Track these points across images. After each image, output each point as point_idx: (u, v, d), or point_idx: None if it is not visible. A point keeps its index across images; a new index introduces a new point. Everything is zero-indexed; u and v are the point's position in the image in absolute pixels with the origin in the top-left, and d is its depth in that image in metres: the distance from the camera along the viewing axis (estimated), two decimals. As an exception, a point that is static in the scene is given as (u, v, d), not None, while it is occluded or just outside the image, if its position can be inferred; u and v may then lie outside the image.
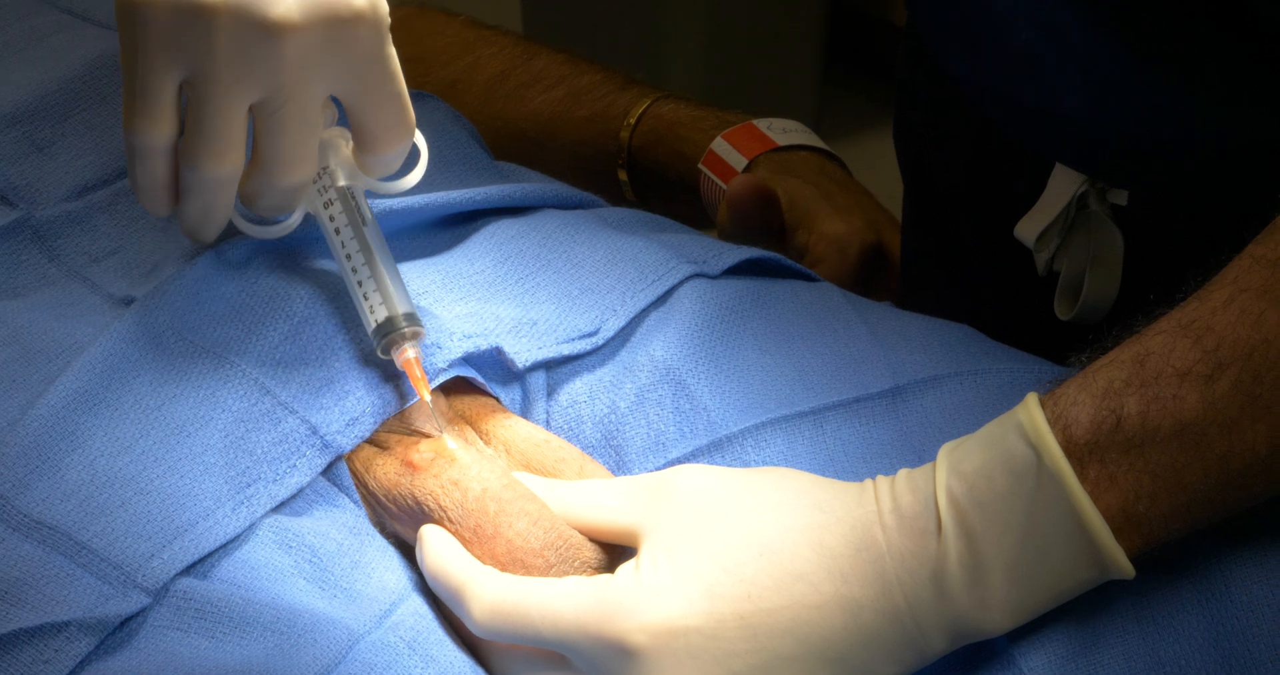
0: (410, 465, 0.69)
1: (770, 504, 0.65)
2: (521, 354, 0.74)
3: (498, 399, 0.75)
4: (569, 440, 0.74)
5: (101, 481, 0.67)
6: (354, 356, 0.72)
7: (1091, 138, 0.84)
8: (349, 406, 0.71)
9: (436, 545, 0.68)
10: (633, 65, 1.25)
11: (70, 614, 0.63)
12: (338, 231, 0.72)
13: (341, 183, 0.73)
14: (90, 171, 0.80)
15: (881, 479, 0.65)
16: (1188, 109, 0.79)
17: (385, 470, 0.70)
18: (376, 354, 0.71)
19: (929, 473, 0.64)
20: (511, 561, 0.67)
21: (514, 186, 0.84)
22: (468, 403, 0.74)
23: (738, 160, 1.08)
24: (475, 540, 0.67)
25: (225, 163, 0.68)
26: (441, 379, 0.72)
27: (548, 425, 0.75)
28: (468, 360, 0.73)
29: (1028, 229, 0.89)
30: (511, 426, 0.73)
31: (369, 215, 0.73)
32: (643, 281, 0.78)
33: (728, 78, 2.13)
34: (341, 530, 0.70)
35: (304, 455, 0.69)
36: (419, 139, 0.73)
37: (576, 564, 0.67)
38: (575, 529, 0.68)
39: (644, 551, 0.64)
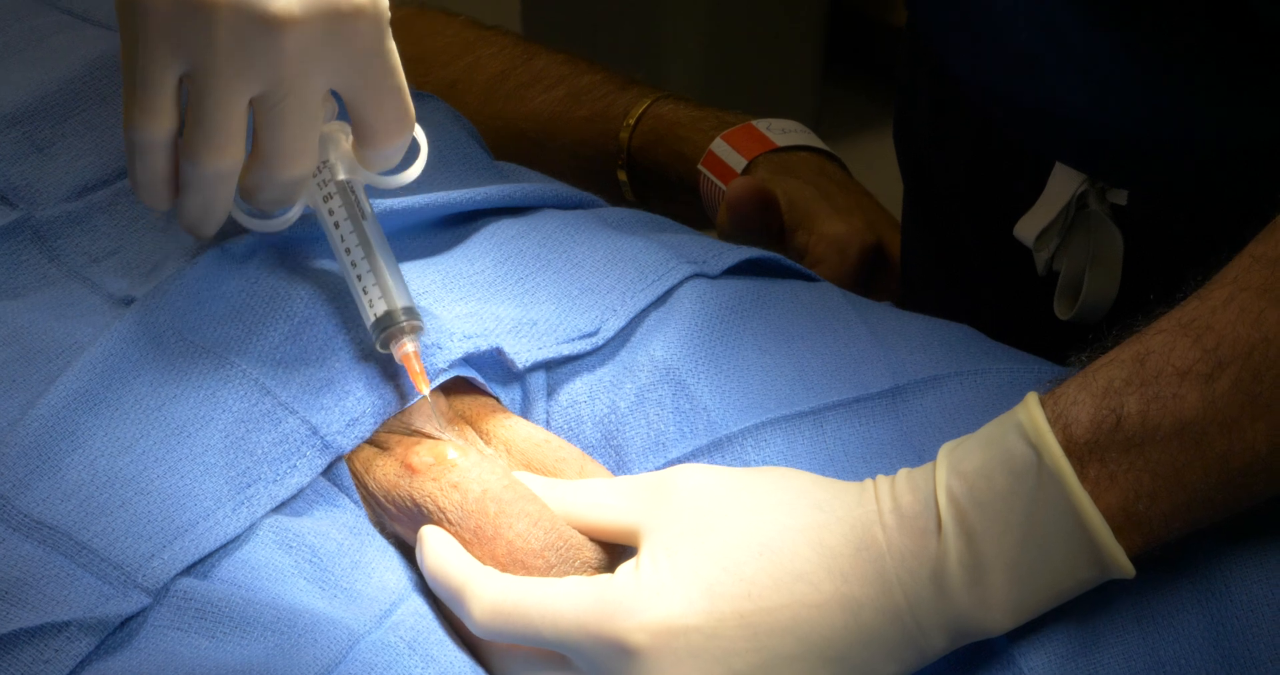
0: (409, 468, 0.69)
1: (770, 503, 0.65)
2: (521, 354, 0.74)
3: (498, 399, 0.75)
4: (569, 440, 0.74)
5: (102, 481, 0.67)
6: (354, 356, 0.72)
7: (1091, 137, 0.84)
8: (349, 407, 0.71)
9: (436, 546, 0.68)
10: (633, 65, 1.25)
11: (71, 614, 0.63)
12: (337, 225, 0.73)
13: (341, 177, 0.73)
14: (90, 172, 0.80)
15: (882, 478, 0.65)
16: (1188, 109, 0.79)
17: (385, 471, 0.70)
18: (376, 348, 0.71)
19: (929, 472, 0.64)
20: (512, 562, 0.67)
21: (514, 186, 0.84)
22: (468, 403, 0.74)
23: (737, 161, 1.08)
24: (475, 541, 0.67)
25: (225, 157, 0.68)
26: (442, 379, 0.72)
27: (548, 425, 0.75)
28: (468, 360, 0.73)
29: (1027, 228, 0.89)
30: (512, 426, 0.73)
31: (368, 209, 0.73)
32: (643, 281, 0.78)
33: (727, 78, 2.13)
34: (342, 530, 0.70)
35: (304, 456, 0.69)
36: (419, 133, 0.73)
37: (577, 564, 0.67)
38: (575, 529, 0.68)
39: (644, 551, 0.64)
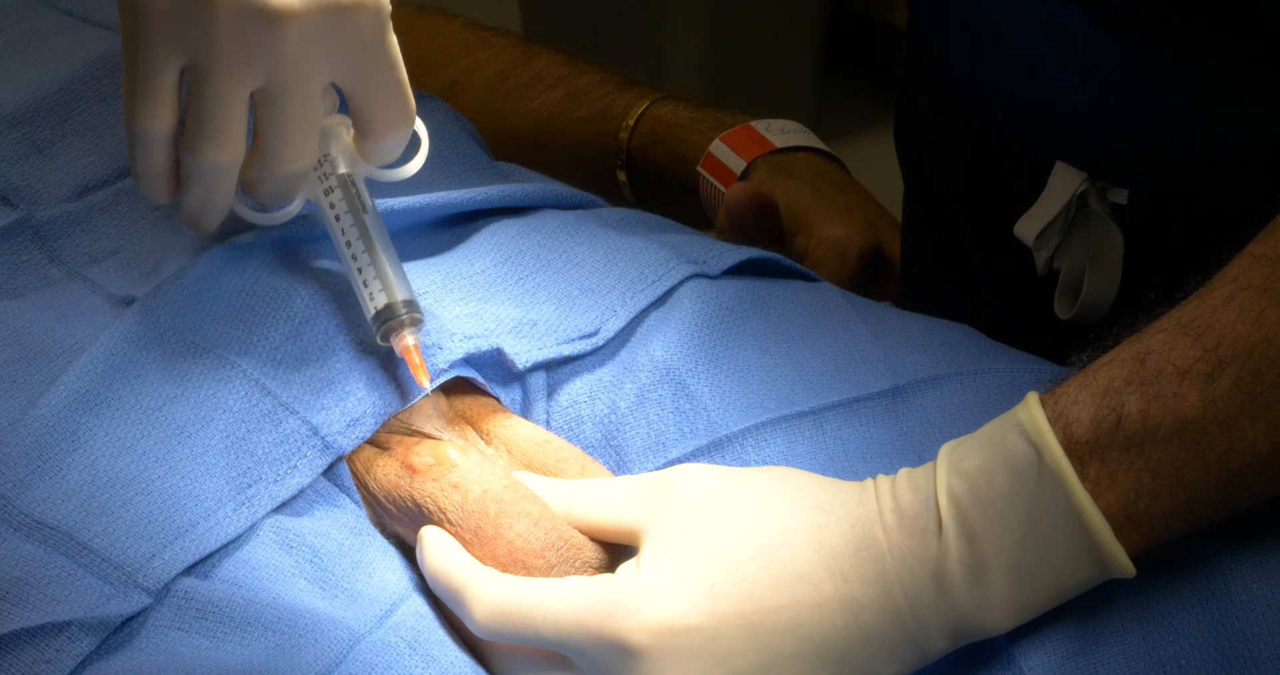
0: (410, 468, 0.69)
1: (771, 503, 0.65)
2: (522, 355, 0.74)
3: (498, 399, 0.75)
4: (569, 440, 0.74)
5: (103, 482, 0.67)
6: (355, 357, 0.72)
7: (1091, 137, 0.84)
8: (350, 407, 0.71)
9: (437, 546, 0.68)
10: (632, 65, 1.25)
11: (71, 614, 0.63)
12: (338, 219, 0.73)
13: (342, 170, 0.73)
14: (91, 172, 0.80)
15: (882, 478, 0.65)
16: (1188, 109, 0.79)
17: (385, 472, 0.70)
18: (376, 342, 0.71)
19: (930, 472, 0.64)
20: (512, 562, 0.67)
21: (514, 187, 0.84)
22: (468, 403, 0.74)
23: (736, 163, 1.08)
24: (476, 541, 0.67)
25: (226, 150, 0.68)
26: (442, 379, 0.72)
27: (548, 425, 0.75)
28: (468, 360, 0.73)
29: (1027, 228, 0.89)
30: (512, 427, 0.73)
31: (369, 203, 0.73)
32: (643, 282, 0.78)
33: (727, 78, 2.13)
34: (342, 530, 0.70)
35: (305, 456, 0.70)
36: (419, 127, 0.73)
37: (577, 564, 0.67)
38: (576, 528, 0.68)
39: (645, 551, 0.64)
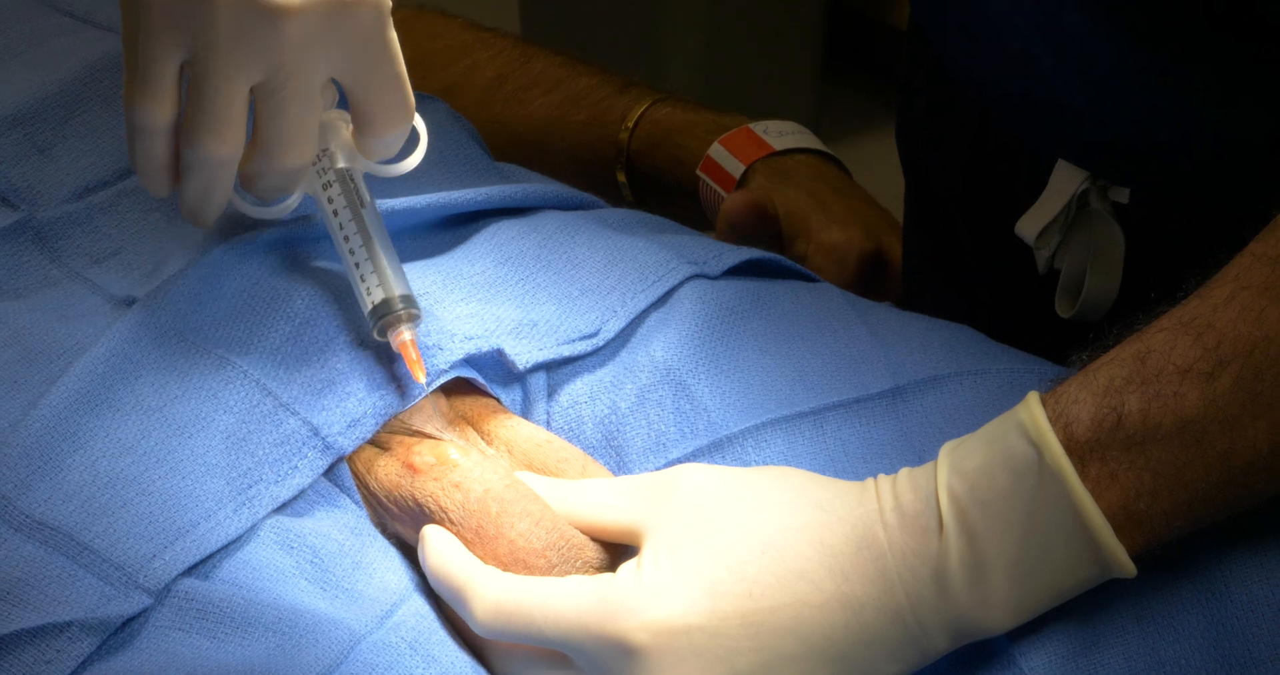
0: (411, 468, 0.69)
1: (771, 502, 0.65)
2: (522, 355, 0.74)
3: (498, 400, 0.75)
4: (570, 441, 0.74)
5: (103, 482, 0.67)
6: (356, 357, 0.72)
7: (1089, 137, 0.84)
8: (350, 408, 0.71)
9: (438, 545, 0.68)
10: (632, 65, 1.25)
11: (72, 614, 0.63)
12: (336, 214, 0.73)
13: (341, 165, 0.73)
14: (91, 173, 0.80)
15: (883, 478, 0.65)
16: (1185, 110, 0.79)
17: (386, 472, 0.70)
18: (373, 337, 0.71)
19: (930, 471, 0.64)
20: (514, 562, 0.67)
21: (514, 187, 0.84)
22: (469, 403, 0.74)
23: (735, 167, 1.08)
24: (477, 541, 0.67)
25: (225, 143, 0.68)
26: (442, 380, 0.72)
27: (548, 426, 0.75)
28: (469, 361, 0.73)
29: (1028, 226, 0.89)
30: (513, 427, 0.73)
31: (368, 197, 0.73)
32: (643, 282, 0.78)
33: (727, 77, 2.13)
34: (343, 531, 0.70)
35: (305, 457, 0.69)
36: (418, 122, 0.73)
37: (579, 564, 0.67)
38: (577, 528, 0.68)
39: (646, 550, 0.64)
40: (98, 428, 0.68)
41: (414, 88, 0.72)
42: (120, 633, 0.64)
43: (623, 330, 0.77)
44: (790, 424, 0.73)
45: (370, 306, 0.71)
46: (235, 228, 0.76)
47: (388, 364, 0.72)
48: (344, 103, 0.73)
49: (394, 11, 0.70)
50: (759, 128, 1.10)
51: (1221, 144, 0.79)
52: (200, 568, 0.66)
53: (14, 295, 0.76)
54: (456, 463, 0.69)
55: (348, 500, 0.71)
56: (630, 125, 1.12)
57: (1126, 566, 0.62)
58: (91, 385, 0.69)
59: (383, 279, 0.71)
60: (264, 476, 0.69)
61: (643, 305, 0.77)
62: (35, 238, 0.78)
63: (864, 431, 0.73)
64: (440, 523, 0.68)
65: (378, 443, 0.72)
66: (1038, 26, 0.80)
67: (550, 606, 0.63)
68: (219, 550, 0.67)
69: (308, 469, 0.69)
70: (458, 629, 0.69)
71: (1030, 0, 0.80)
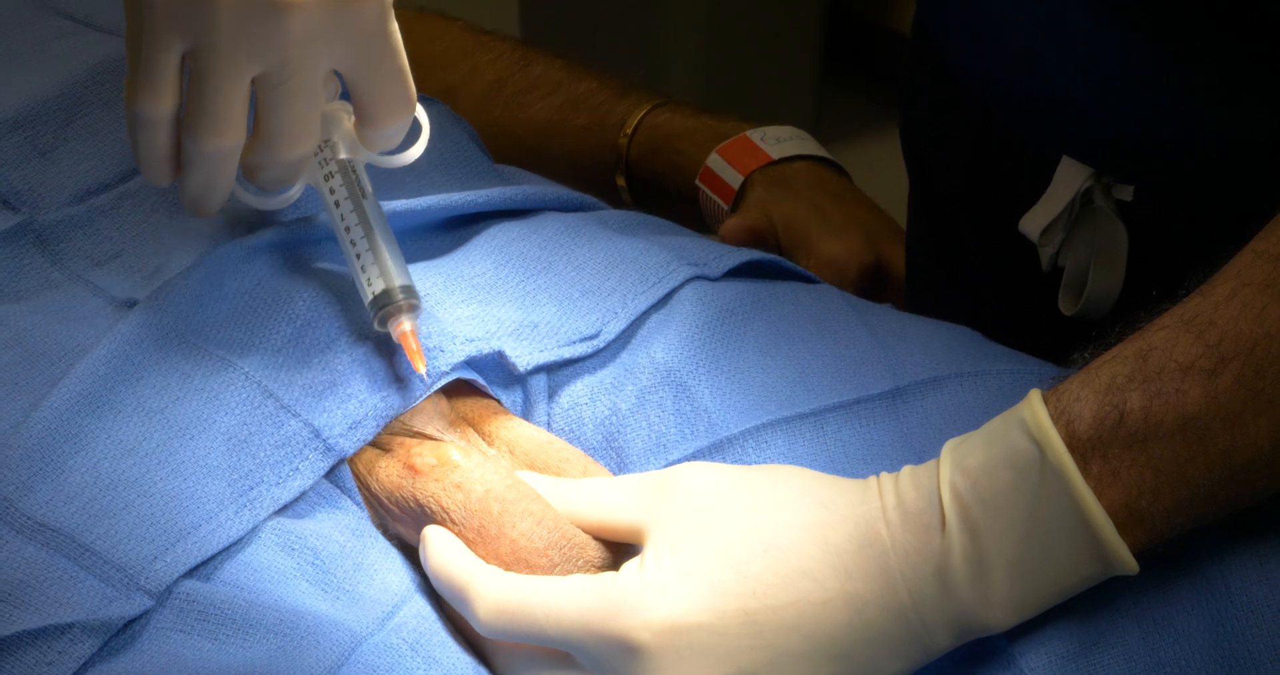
0: (412, 469, 0.69)
1: (774, 501, 0.65)
2: (523, 357, 0.74)
3: (499, 401, 0.75)
4: (570, 442, 0.74)
5: (105, 484, 0.67)
6: (357, 359, 0.72)
7: (1092, 136, 0.84)
8: (351, 410, 0.71)
9: (440, 546, 0.68)
10: (632, 67, 1.25)
11: (74, 616, 0.63)
12: (337, 205, 0.73)
13: (343, 156, 0.73)
14: (92, 175, 0.80)
15: (885, 476, 0.65)
16: (1188, 108, 0.79)
17: (387, 473, 0.70)
18: (374, 327, 0.71)
19: (933, 469, 0.64)
20: (516, 561, 0.67)
21: (515, 189, 0.84)
22: (470, 405, 0.74)
23: (733, 177, 1.08)
24: (479, 541, 0.67)
25: (226, 135, 0.68)
26: (443, 381, 0.72)
27: (549, 427, 0.75)
28: (469, 363, 0.73)
29: (1032, 223, 0.89)
30: (514, 428, 0.73)
31: (369, 189, 0.73)
32: (643, 284, 0.78)
33: (727, 79, 2.13)
34: (344, 532, 0.70)
35: (306, 458, 0.70)
36: (420, 114, 0.73)
37: (580, 563, 0.67)
38: (580, 527, 0.68)
39: (648, 549, 0.64)
40: (99, 429, 0.68)
41: (414, 89, 0.72)
42: (121, 634, 0.64)
43: (623, 332, 0.77)
44: (791, 425, 0.73)
45: (370, 297, 0.71)
46: (237, 229, 0.76)
47: (389, 366, 0.72)
48: (346, 94, 0.73)
49: (394, 12, 0.70)
50: (756, 135, 1.10)
51: (1224, 142, 0.80)
52: (201, 569, 0.66)
53: (15, 298, 0.77)
54: (458, 463, 0.69)
55: (349, 502, 0.71)
56: (629, 131, 1.12)
57: (1128, 564, 0.62)
58: (93, 387, 0.69)
59: (383, 269, 0.71)
60: (265, 478, 0.69)
61: (643, 307, 0.77)
62: (36, 240, 0.78)
63: (864, 432, 0.73)
64: (442, 523, 0.68)
65: (379, 444, 0.72)
66: (1041, 24, 0.80)
67: (553, 606, 0.63)
68: (220, 552, 0.67)
69: (309, 471, 0.69)
70: (459, 630, 0.69)
71: None
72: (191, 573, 0.66)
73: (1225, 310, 0.61)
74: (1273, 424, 0.61)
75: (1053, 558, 0.62)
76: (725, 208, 1.08)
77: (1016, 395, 0.64)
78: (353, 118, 0.73)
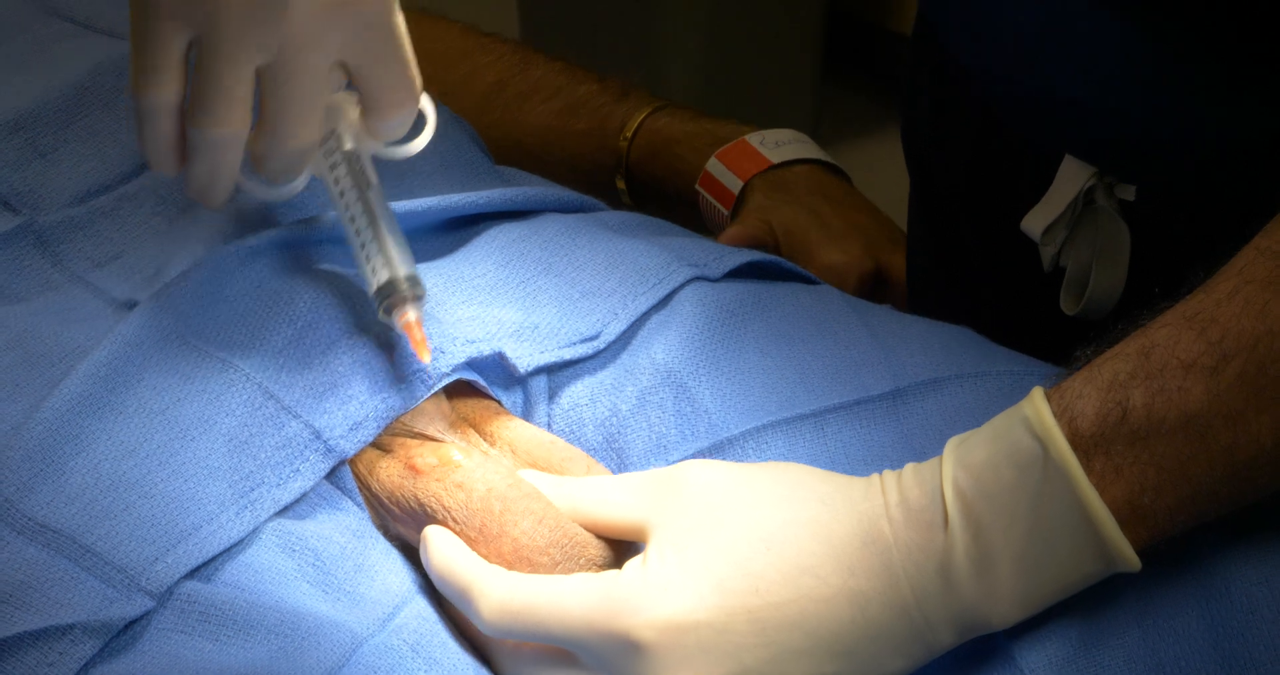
0: (413, 469, 0.69)
1: (777, 498, 0.65)
2: (524, 359, 0.74)
3: (499, 402, 0.75)
4: (571, 443, 0.74)
5: (106, 485, 0.67)
6: (358, 360, 0.72)
7: (1094, 134, 0.84)
8: (352, 411, 0.71)
9: (441, 545, 0.68)
10: (632, 67, 1.26)
11: (74, 617, 0.63)
12: (342, 195, 0.73)
13: (348, 146, 0.73)
14: (93, 177, 0.81)
15: (888, 473, 0.65)
16: (1189, 107, 0.79)
17: (388, 473, 0.70)
18: (379, 317, 0.71)
19: (935, 466, 0.64)
20: (517, 560, 0.67)
21: (515, 190, 0.84)
22: (471, 405, 0.74)
23: (733, 182, 1.08)
24: (481, 540, 0.67)
25: (230, 124, 0.68)
26: (444, 383, 0.72)
27: (549, 428, 0.75)
28: (470, 364, 0.73)
29: (1035, 222, 0.89)
30: (515, 428, 0.73)
31: (374, 179, 0.73)
32: (644, 285, 0.78)
33: (727, 79, 2.13)
34: (345, 533, 0.70)
35: (307, 460, 0.69)
36: (426, 105, 0.73)
37: (582, 561, 0.67)
38: (583, 525, 0.68)
39: (652, 547, 0.64)
40: (100, 431, 0.68)
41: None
42: (123, 635, 0.64)
43: (624, 333, 0.77)
44: (791, 426, 0.73)
45: (375, 287, 0.70)
46: (238, 230, 0.76)
47: (390, 367, 0.72)
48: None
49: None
50: (756, 139, 1.10)
51: (1224, 142, 0.80)
52: (202, 570, 0.66)
53: (15, 299, 0.77)
54: (459, 463, 0.69)
55: (350, 503, 0.71)
56: (629, 134, 1.13)
57: (1131, 561, 0.62)
58: (94, 388, 0.69)
59: (388, 259, 0.71)
60: (266, 479, 0.69)
61: (644, 308, 0.77)
62: (37, 242, 0.78)
63: (864, 433, 0.73)
64: (443, 523, 0.68)
65: (379, 445, 0.72)
66: (1042, 23, 0.80)
67: (557, 604, 0.63)
68: (221, 553, 0.67)
69: (309, 472, 0.69)
70: (461, 630, 0.69)
71: None
72: (192, 574, 0.66)
73: (1228, 307, 0.61)
74: (1275, 421, 0.61)
75: (1055, 555, 0.62)
76: (725, 213, 1.09)
77: (1016, 396, 0.64)
78: (359, 108, 0.73)
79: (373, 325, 0.72)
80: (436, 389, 0.72)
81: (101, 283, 0.77)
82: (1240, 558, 0.66)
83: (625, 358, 0.76)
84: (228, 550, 0.67)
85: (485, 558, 0.67)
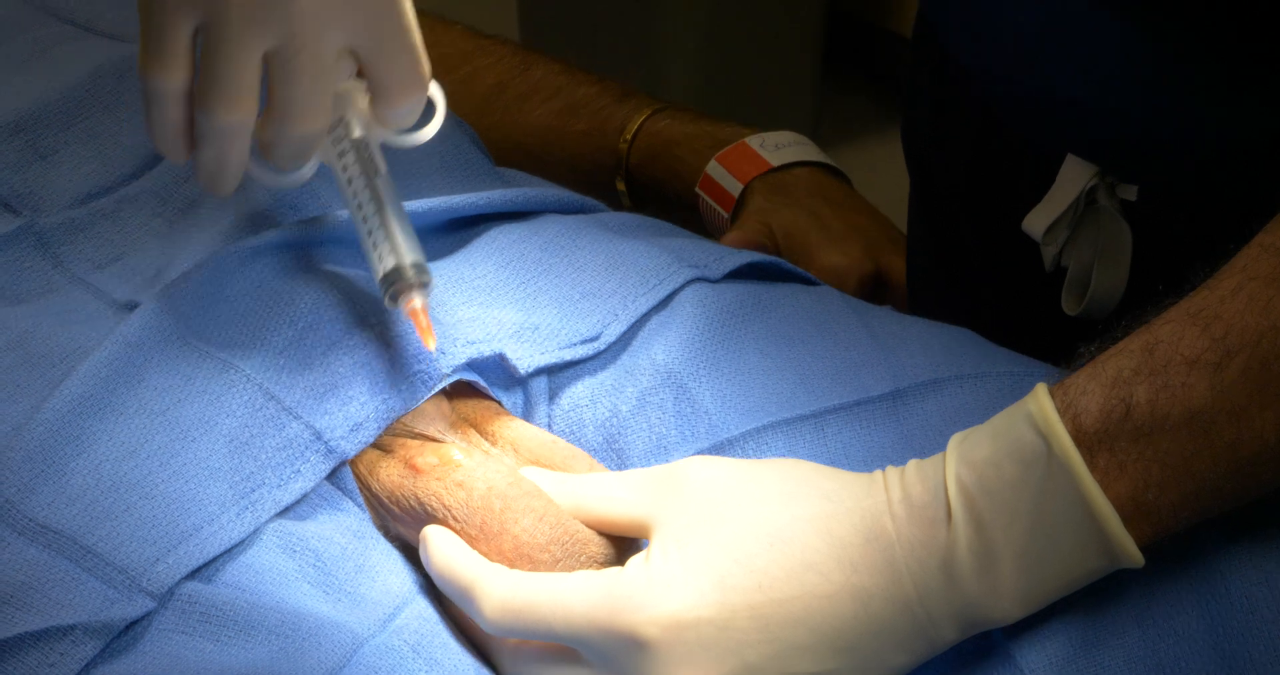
0: (413, 468, 0.69)
1: (780, 494, 0.65)
2: (524, 360, 0.74)
3: (500, 403, 0.75)
4: (571, 444, 0.74)
5: (107, 486, 0.67)
6: (358, 361, 0.72)
7: (1094, 134, 0.84)
8: (353, 412, 0.71)
9: (442, 544, 0.68)
10: (632, 68, 1.25)
11: (75, 618, 0.63)
12: (350, 182, 0.72)
13: (357, 134, 0.73)
14: (93, 179, 0.81)
15: (891, 469, 0.65)
16: (1189, 107, 0.79)
17: (389, 473, 0.70)
18: (385, 304, 0.71)
19: (939, 463, 0.64)
20: (518, 557, 0.67)
21: (516, 191, 0.84)
22: (471, 406, 0.74)
23: (733, 185, 1.08)
24: (481, 538, 0.67)
25: (237, 110, 0.67)
26: (445, 383, 0.72)
27: (549, 429, 0.75)
28: (470, 364, 0.73)
29: (1036, 222, 0.89)
30: (517, 427, 0.73)
31: (382, 167, 0.73)
32: (644, 286, 0.78)
33: (727, 80, 2.13)
34: (345, 534, 0.70)
35: (308, 461, 0.69)
36: (435, 92, 0.73)
37: (583, 559, 0.67)
38: (585, 522, 0.68)
39: (654, 543, 0.65)
40: (101, 431, 0.68)
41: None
42: (124, 636, 0.64)
43: (624, 333, 0.77)
44: (791, 427, 0.73)
45: (381, 274, 0.70)
46: (238, 231, 0.76)
47: (391, 368, 0.72)
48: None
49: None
50: (755, 141, 1.10)
51: (1225, 142, 0.80)
52: (203, 571, 0.66)
53: (16, 300, 0.77)
54: (459, 463, 0.69)
55: (350, 503, 0.71)
56: (629, 136, 1.12)
57: (1134, 557, 0.62)
58: (95, 389, 0.69)
59: (395, 246, 0.70)
60: (267, 480, 0.69)
61: (644, 309, 0.77)
62: (37, 243, 0.78)
63: (864, 434, 0.73)
64: (444, 522, 0.68)
65: (380, 445, 0.72)
66: (1042, 23, 0.80)
67: (559, 602, 0.63)
68: (222, 554, 0.67)
69: (310, 473, 0.69)
70: (462, 630, 0.69)
71: None
72: (193, 574, 0.66)
73: (1231, 304, 0.61)
74: (1279, 416, 0.61)
75: (1059, 551, 0.62)
76: (725, 216, 1.08)
77: (1017, 397, 0.65)
78: (367, 96, 0.73)
79: (374, 326, 0.72)
80: (437, 390, 0.72)
81: (102, 284, 0.77)
82: (1240, 557, 0.66)
83: (625, 359, 0.76)
84: (229, 551, 0.67)
85: (486, 556, 0.67)
